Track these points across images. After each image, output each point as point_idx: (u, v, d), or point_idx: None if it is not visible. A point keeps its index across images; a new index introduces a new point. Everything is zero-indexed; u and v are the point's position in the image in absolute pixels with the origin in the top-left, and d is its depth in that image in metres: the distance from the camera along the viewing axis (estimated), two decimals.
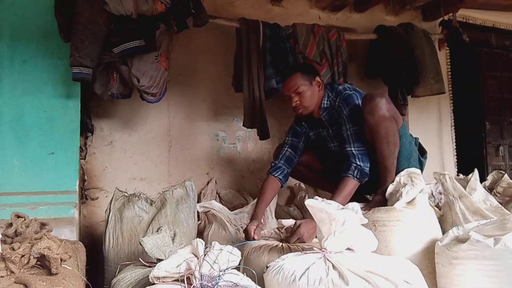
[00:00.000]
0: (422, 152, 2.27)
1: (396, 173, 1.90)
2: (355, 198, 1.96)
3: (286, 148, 2.33)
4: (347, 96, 2.13)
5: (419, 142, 2.28)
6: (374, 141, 2.01)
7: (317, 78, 2.22)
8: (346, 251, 1.35)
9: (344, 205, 1.84)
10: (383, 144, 1.98)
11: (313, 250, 1.40)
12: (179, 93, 2.93)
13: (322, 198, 1.46)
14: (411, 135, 2.24)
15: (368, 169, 2.01)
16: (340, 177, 2.03)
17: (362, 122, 2.03)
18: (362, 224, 1.39)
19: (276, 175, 2.25)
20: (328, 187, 2.36)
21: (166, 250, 1.46)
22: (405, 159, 2.07)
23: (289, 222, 1.91)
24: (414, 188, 1.75)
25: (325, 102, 2.21)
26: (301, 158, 2.37)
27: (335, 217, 1.33)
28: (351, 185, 1.99)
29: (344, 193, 1.96)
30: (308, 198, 2.49)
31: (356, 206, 1.41)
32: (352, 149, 2.05)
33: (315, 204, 1.39)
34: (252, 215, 2.18)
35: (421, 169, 2.15)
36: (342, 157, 2.09)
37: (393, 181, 1.87)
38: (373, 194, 2.09)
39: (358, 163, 2.01)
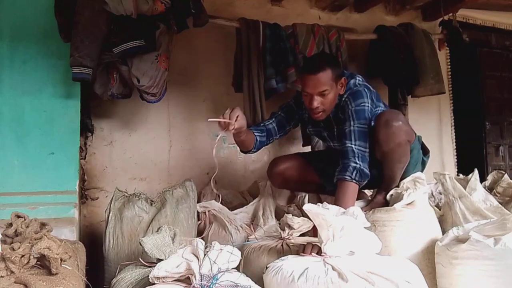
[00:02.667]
0: (425, 151, 2.15)
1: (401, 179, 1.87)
2: None
3: (271, 121, 2.11)
4: (356, 92, 1.93)
5: (422, 142, 2.16)
6: (383, 161, 1.88)
7: (342, 80, 1.96)
8: (346, 255, 1.35)
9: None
10: (394, 165, 1.88)
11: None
12: (179, 93, 2.93)
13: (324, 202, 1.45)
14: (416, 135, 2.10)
15: (368, 169, 1.82)
16: (336, 181, 1.82)
17: (367, 121, 1.89)
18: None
19: (253, 130, 2.04)
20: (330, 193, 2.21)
21: (166, 250, 1.46)
22: (412, 167, 1.98)
23: (295, 220, 1.84)
24: (416, 191, 1.74)
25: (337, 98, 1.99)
26: (295, 173, 2.20)
27: (332, 223, 1.33)
28: (350, 190, 1.78)
29: (344, 202, 1.73)
30: (309, 199, 2.50)
31: (357, 210, 1.40)
32: (353, 146, 1.83)
33: (313, 209, 1.37)
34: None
35: (423, 169, 2.10)
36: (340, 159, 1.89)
37: (397, 186, 1.86)
38: (373, 190, 2.04)
39: (358, 161, 1.79)
